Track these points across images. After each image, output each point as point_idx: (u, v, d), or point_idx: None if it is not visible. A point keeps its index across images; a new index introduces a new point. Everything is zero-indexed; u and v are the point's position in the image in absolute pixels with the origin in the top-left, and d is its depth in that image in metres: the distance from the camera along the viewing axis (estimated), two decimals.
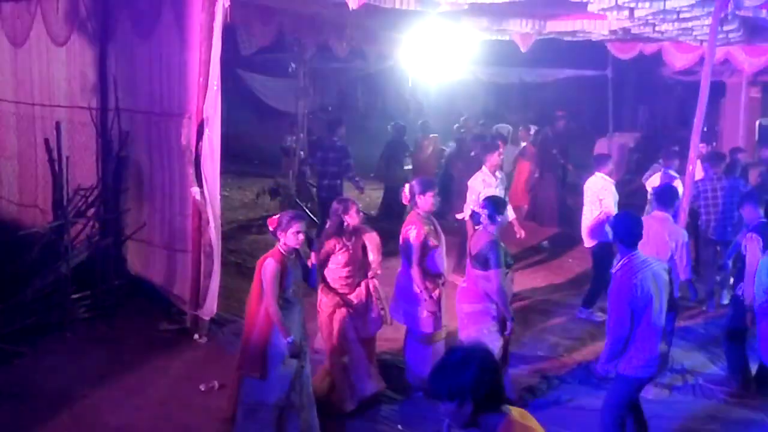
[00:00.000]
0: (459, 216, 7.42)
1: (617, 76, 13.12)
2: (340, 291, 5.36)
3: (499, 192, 7.02)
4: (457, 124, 13.50)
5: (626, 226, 4.34)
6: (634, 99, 18.06)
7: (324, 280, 5.36)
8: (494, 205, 5.14)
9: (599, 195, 7.19)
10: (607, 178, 7.35)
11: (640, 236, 4.32)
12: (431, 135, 12.05)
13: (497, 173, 7.33)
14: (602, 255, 7.12)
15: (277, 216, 4.78)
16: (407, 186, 5.64)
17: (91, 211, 7.36)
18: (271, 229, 4.75)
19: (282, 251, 4.65)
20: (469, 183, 7.29)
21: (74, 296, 6.72)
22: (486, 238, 5.04)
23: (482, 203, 5.21)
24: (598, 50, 11.16)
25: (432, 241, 5.41)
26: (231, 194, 12.36)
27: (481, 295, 5.06)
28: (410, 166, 11.47)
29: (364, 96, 20.43)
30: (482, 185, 7.11)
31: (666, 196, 6.19)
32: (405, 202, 5.65)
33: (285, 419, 4.68)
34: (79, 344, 6.34)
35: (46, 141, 7.23)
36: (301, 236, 4.64)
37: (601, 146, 13.63)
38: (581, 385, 5.84)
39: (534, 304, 7.73)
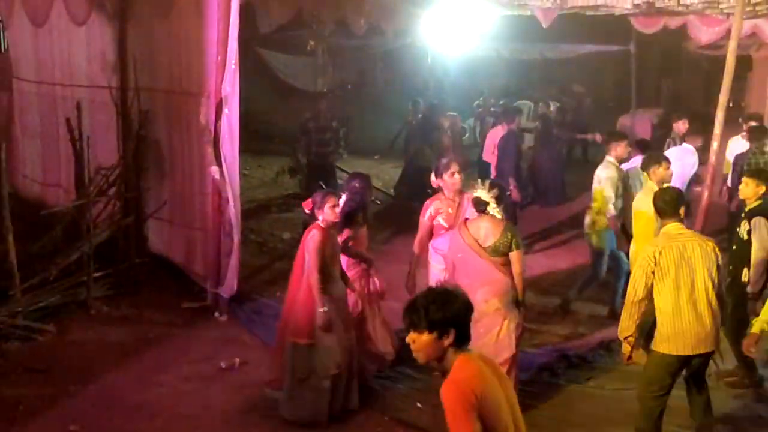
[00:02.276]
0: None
1: (640, 51, 12.91)
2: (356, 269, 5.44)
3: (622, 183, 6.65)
4: (476, 102, 13.42)
5: (664, 199, 4.46)
6: (657, 74, 17.79)
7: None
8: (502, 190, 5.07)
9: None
10: None
11: (676, 208, 4.40)
12: (449, 113, 11.97)
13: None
14: None
15: (311, 198, 4.96)
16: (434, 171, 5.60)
17: (113, 190, 7.43)
18: (308, 211, 4.94)
19: (322, 226, 4.82)
20: (597, 173, 6.79)
21: (97, 274, 6.80)
22: (503, 224, 4.88)
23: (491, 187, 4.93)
24: (621, 25, 10.95)
25: (442, 224, 5.39)
26: (251, 173, 12.40)
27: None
28: None
29: (383, 73, 20.29)
30: (606, 174, 6.62)
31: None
32: (434, 185, 5.61)
33: (337, 388, 4.82)
34: (102, 322, 6.43)
35: (68, 121, 7.28)
36: (338, 209, 4.84)
37: (623, 122, 13.46)
38: (602, 365, 5.81)
39: (554, 284, 7.68)
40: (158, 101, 7.32)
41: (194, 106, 6.59)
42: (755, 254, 5.14)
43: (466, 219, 5.04)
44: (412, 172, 10.66)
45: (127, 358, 5.74)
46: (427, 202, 5.49)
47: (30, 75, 9.57)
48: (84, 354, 5.82)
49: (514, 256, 4.81)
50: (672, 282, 4.18)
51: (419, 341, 2.58)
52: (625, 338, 4.30)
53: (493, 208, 4.82)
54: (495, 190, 4.87)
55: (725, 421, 4.96)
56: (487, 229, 4.81)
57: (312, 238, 4.76)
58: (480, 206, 4.85)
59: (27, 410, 4.96)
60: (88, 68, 8.30)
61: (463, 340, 2.60)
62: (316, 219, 4.86)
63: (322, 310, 4.71)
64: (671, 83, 18.29)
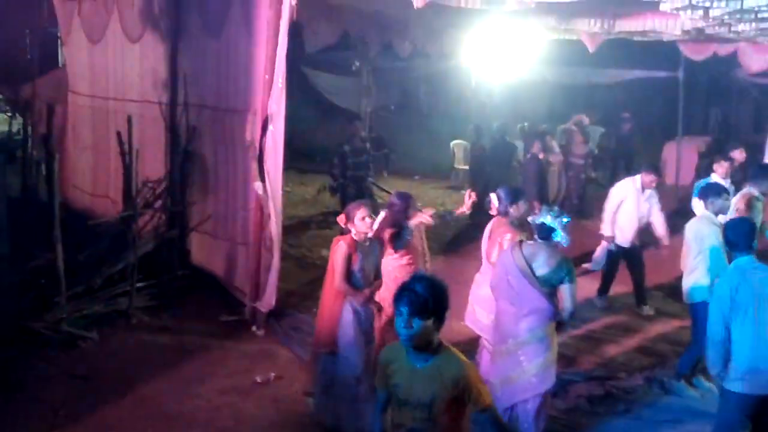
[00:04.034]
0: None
1: (689, 77, 12.68)
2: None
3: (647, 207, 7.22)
4: (520, 125, 13.37)
5: (736, 231, 4.28)
6: (706, 101, 17.48)
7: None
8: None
9: None
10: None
11: (750, 241, 4.23)
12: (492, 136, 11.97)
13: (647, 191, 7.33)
14: None
15: (344, 212, 5.01)
16: (493, 196, 5.58)
17: (159, 202, 7.59)
18: (342, 225, 4.99)
19: (354, 238, 4.86)
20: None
21: (140, 285, 6.94)
22: (560, 255, 4.71)
23: (558, 214, 4.75)
24: (669, 50, 10.83)
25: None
26: (293, 190, 12.54)
27: None
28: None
29: (427, 96, 20.39)
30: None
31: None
32: (493, 212, 5.56)
33: (362, 398, 4.80)
34: (142, 331, 6.55)
35: (118, 134, 7.49)
36: (368, 220, 4.84)
37: (669, 150, 13.25)
38: (641, 395, 5.68)
39: (596, 311, 7.56)
40: (206, 117, 7.48)
41: (240, 122, 6.73)
42: None
43: (521, 241, 4.89)
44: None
45: (166, 369, 5.83)
46: (504, 232, 5.31)
47: (84, 89, 9.90)
48: (124, 362, 5.94)
49: (566, 289, 4.62)
50: (749, 319, 3.98)
51: (422, 327, 2.80)
52: (717, 374, 4.15)
53: (559, 236, 4.66)
54: (562, 218, 4.70)
55: None
56: (543, 258, 4.63)
57: (338, 249, 4.83)
58: (543, 232, 4.68)
59: (67, 415, 5.06)
60: (139, 84, 8.55)
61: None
62: (349, 232, 4.89)
63: (361, 297, 4.82)
64: (720, 111, 17.94)
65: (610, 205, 7.47)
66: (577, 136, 11.49)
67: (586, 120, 11.94)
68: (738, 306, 3.99)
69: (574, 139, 11.54)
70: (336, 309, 4.85)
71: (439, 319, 2.83)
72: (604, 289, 7.76)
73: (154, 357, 6.04)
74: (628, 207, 7.34)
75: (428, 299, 2.78)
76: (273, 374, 5.75)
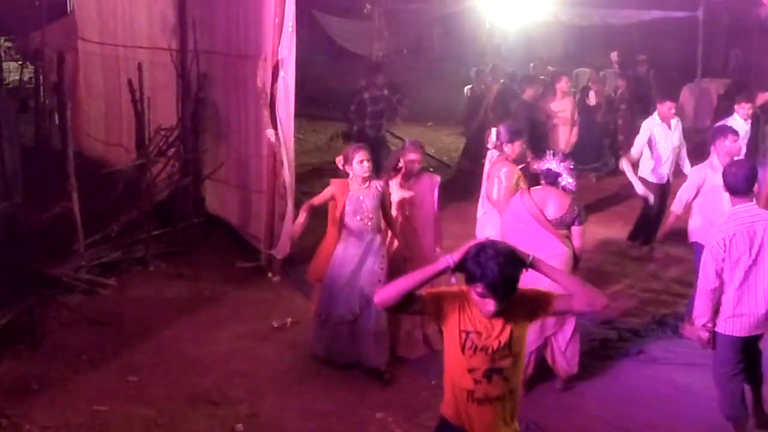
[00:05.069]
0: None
1: (709, 17, 12.34)
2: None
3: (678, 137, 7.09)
4: (532, 66, 13.14)
5: (736, 175, 4.13)
6: (726, 42, 17.03)
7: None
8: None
9: None
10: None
11: (750, 186, 4.11)
12: (501, 81, 11.76)
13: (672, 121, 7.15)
14: None
15: (343, 154, 5.04)
16: (493, 131, 5.54)
17: (172, 150, 7.59)
18: (340, 167, 5.03)
19: (350, 182, 4.93)
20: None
21: (155, 232, 7.00)
22: (570, 198, 4.77)
23: (562, 158, 4.80)
24: None
25: (522, 187, 5.28)
26: (305, 137, 12.48)
27: None
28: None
29: (440, 39, 20.02)
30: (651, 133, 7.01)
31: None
32: (490, 147, 5.57)
33: (358, 337, 4.96)
34: (159, 278, 6.64)
35: (129, 81, 7.44)
36: (366, 164, 4.86)
37: (687, 92, 13.00)
38: (654, 338, 5.72)
39: (608, 255, 7.57)
40: (216, 64, 7.40)
41: (251, 69, 6.64)
42: None
43: (529, 187, 4.94)
44: (477, 145, 10.39)
45: (183, 314, 5.93)
46: (501, 167, 5.31)
47: (94, 36, 9.80)
48: (143, 309, 6.04)
49: (576, 230, 4.74)
50: (741, 267, 3.97)
51: (506, 304, 2.76)
52: (703, 325, 4.11)
53: (566, 179, 4.71)
54: (568, 162, 4.75)
55: None
56: (555, 202, 4.72)
57: (328, 186, 5.02)
58: (550, 178, 4.74)
59: (89, 360, 5.18)
60: (149, 30, 8.44)
61: None
62: (347, 174, 4.94)
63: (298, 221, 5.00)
64: (740, 52, 17.51)
65: (639, 154, 7.16)
66: (619, 80, 11.11)
67: (614, 56, 11.57)
68: (731, 255, 3.96)
69: (616, 82, 11.13)
70: (332, 242, 4.98)
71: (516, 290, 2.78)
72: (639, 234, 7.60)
73: (171, 303, 6.14)
74: (659, 145, 7.12)
75: (510, 280, 2.72)
76: (289, 319, 5.83)
